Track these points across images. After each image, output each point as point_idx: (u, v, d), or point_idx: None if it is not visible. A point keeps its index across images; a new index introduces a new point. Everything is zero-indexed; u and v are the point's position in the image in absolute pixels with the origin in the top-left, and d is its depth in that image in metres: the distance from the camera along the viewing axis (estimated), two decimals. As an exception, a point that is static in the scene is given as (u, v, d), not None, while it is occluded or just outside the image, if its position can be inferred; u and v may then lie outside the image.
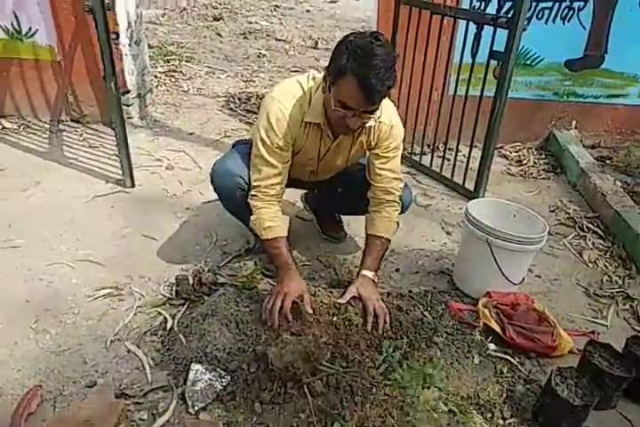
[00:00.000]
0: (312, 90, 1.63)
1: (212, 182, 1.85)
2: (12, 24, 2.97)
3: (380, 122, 1.69)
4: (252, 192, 1.71)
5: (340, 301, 1.66)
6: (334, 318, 1.68)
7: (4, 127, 3.11)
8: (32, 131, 3.14)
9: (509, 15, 2.32)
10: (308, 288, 1.69)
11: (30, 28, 2.99)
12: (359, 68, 1.38)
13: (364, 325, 1.63)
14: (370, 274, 1.74)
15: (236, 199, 1.81)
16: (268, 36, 6.16)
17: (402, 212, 1.93)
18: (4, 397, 1.43)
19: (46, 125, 3.21)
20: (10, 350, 1.59)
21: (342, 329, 1.64)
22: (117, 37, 2.90)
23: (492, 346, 1.70)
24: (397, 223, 1.83)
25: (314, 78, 1.66)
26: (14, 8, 2.93)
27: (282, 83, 1.71)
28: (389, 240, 1.81)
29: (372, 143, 1.75)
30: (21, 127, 3.15)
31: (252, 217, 1.72)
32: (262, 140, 1.64)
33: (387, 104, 1.71)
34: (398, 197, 1.80)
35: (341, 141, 1.74)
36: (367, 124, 1.61)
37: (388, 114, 1.70)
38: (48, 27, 2.97)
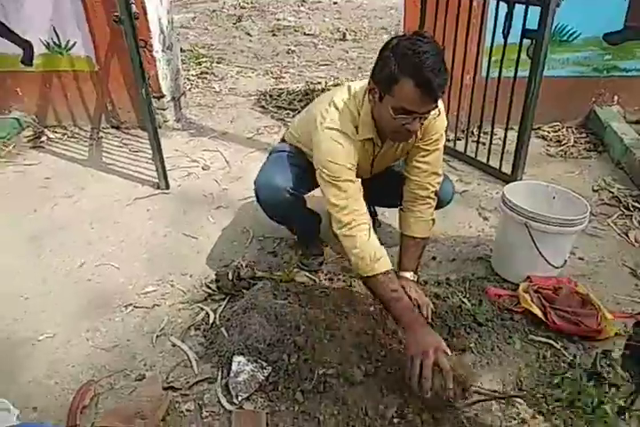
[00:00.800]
0: (357, 105, 1.56)
1: (257, 199, 1.81)
2: (51, 38, 3.11)
3: None
4: (344, 218, 1.53)
5: None
6: (371, 308, 1.70)
7: (48, 138, 3.27)
8: (74, 139, 3.28)
9: (540, -9, 2.25)
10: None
11: (69, 41, 3.12)
12: (413, 68, 1.33)
13: None
14: (409, 275, 1.73)
15: (282, 211, 1.82)
16: (296, 31, 6.17)
17: (441, 207, 1.90)
18: (61, 391, 1.52)
19: (87, 133, 3.35)
20: (65, 347, 1.69)
21: (379, 318, 1.66)
22: (146, 44, 2.98)
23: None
24: (433, 220, 1.78)
25: (354, 92, 1.59)
26: (53, 22, 3.05)
27: (324, 106, 1.60)
28: (426, 239, 1.79)
29: (419, 134, 1.67)
30: (64, 137, 3.29)
31: (354, 250, 1.52)
32: (336, 164, 1.53)
33: None
34: (433, 193, 1.75)
35: (389, 145, 1.70)
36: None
37: None
38: (85, 38, 3.09)
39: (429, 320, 1.64)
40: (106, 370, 1.59)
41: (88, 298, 1.91)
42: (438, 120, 1.66)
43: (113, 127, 3.40)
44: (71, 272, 2.05)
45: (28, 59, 3.17)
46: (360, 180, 1.60)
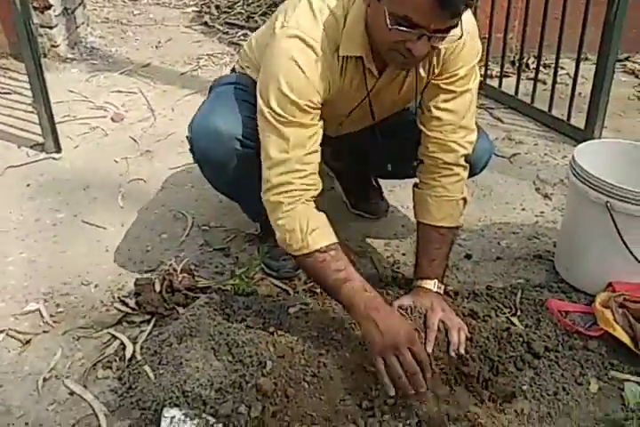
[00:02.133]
0: (344, 11, 1.58)
1: (191, 149, 1.85)
2: None
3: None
4: (277, 179, 1.61)
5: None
6: None
7: None
8: None
9: None
10: None
11: None
12: None
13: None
14: (431, 285, 1.73)
15: (229, 171, 1.81)
16: None
17: (475, 174, 1.92)
18: None
19: None
20: None
21: None
22: None
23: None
24: (464, 200, 1.80)
25: None
26: None
27: (294, 2, 1.63)
28: (455, 228, 1.82)
29: (436, 70, 1.69)
30: None
31: (279, 221, 1.62)
32: (284, 93, 1.55)
33: None
34: (463, 158, 1.76)
35: (391, 77, 1.71)
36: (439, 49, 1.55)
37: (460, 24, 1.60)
38: None
39: (463, 353, 1.65)
40: (-36, 434, 1.58)
41: None
42: (466, 48, 1.66)
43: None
44: None
45: None
46: (320, 125, 1.63)
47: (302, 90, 1.55)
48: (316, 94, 1.57)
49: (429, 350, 1.60)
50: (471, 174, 1.89)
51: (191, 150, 1.84)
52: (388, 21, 1.40)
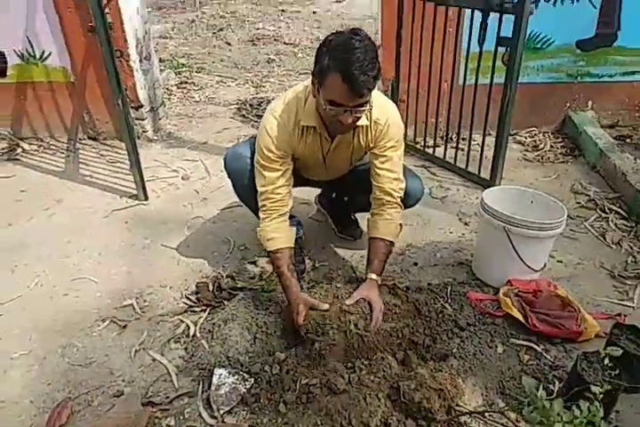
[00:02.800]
0: (306, 96, 1.66)
1: (224, 167, 1.93)
2: (26, 49, 3.07)
3: (375, 122, 1.69)
4: (260, 202, 1.73)
5: (347, 302, 1.64)
6: (352, 317, 1.67)
7: (23, 150, 3.21)
8: (51, 151, 3.23)
9: (515, 0, 2.28)
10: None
11: (44, 52, 3.08)
12: (341, 63, 1.41)
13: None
14: (376, 277, 1.72)
15: (245, 180, 1.86)
16: (275, 40, 6.20)
17: (412, 205, 1.93)
18: (37, 410, 1.48)
19: (64, 145, 3.30)
20: (40, 365, 1.64)
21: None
22: (122, 55, 2.96)
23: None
24: (401, 226, 1.80)
25: (307, 85, 1.67)
26: (27, 33, 3.02)
27: (279, 96, 1.75)
28: (393, 243, 1.78)
29: (370, 144, 1.75)
30: (40, 148, 3.25)
31: (258, 229, 1.75)
32: (261, 149, 1.68)
33: (384, 103, 1.72)
34: (399, 198, 1.77)
35: (340, 142, 1.75)
36: (360, 123, 1.62)
37: (384, 113, 1.70)
38: (60, 48, 3.06)
39: (375, 324, 1.60)
40: (82, 387, 1.55)
41: (64, 313, 1.86)
42: (391, 128, 1.72)
43: (90, 138, 3.36)
44: (47, 287, 2.01)
45: (1, 70, 3.13)
46: (286, 169, 1.71)
47: (269, 147, 1.67)
48: (279, 150, 1.68)
49: (378, 325, 1.61)
50: (411, 205, 1.93)
51: (224, 167, 1.93)
52: (324, 104, 1.51)
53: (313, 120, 1.65)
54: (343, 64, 1.40)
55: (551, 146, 3.10)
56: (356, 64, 1.39)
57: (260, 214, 1.74)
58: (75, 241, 2.30)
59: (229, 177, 1.94)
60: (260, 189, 1.72)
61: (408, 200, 1.87)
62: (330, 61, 1.43)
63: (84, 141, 3.34)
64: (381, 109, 1.69)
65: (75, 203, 2.64)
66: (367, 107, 1.54)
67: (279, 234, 1.71)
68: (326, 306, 1.61)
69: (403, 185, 1.79)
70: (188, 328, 1.75)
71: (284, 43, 6.12)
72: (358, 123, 1.61)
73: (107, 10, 2.30)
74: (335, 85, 1.44)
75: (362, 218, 2.31)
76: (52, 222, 2.47)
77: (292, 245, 1.74)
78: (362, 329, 1.57)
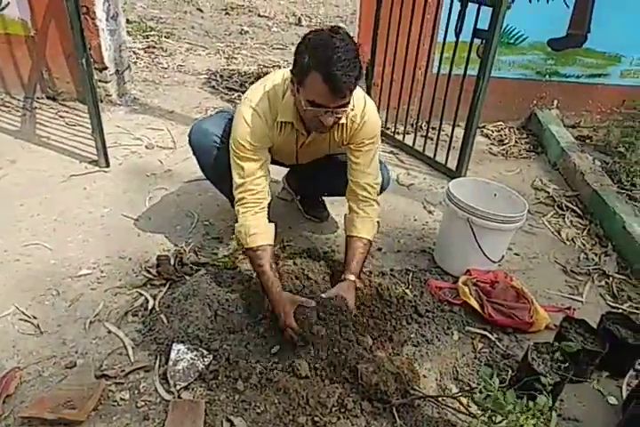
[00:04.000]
0: (284, 90, 1.59)
1: (189, 142, 1.85)
2: (-19, -3, 2.85)
3: (351, 119, 1.66)
4: (238, 195, 1.65)
5: (323, 296, 1.61)
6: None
7: (-24, 105, 3.01)
8: (6, 109, 3.04)
9: (493, -8, 2.28)
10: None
11: (1, 1, 2.87)
12: (321, 63, 1.36)
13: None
14: (353, 278, 1.67)
15: (210, 158, 1.81)
16: (250, 11, 6.00)
17: (380, 192, 1.90)
18: (-18, 379, 1.41)
19: (20, 103, 3.11)
20: (-13, 331, 1.57)
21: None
22: (88, 11, 2.80)
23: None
24: (378, 223, 1.79)
25: (286, 79, 1.60)
26: (-17, -20, 2.81)
27: (256, 85, 1.67)
28: (371, 242, 1.76)
29: (346, 141, 1.73)
30: (-5, 105, 3.06)
31: (236, 224, 1.66)
32: (238, 141, 1.60)
33: (361, 99, 1.67)
34: (375, 193, 1.76)
35: (315, 137, 1.72)
36: (341, 121, 1.58)
37: (361, 110, 1.66)
38: (20, 0, 2.85)
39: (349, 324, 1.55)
40: (33, 357, 1.49)
41: (15, 279, 1.78)
42: (368, 126, 1.69)
43: (49, 98, 3.18)
44: (-3, 251, 1.91)
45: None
46: (265, 160, 1.65)
47: (246, 137, 1.59)
48: (258, 141, 1.61)
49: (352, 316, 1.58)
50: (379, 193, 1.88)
51: (189, 142, 1.85)
52: (304, 104, 1.46)
53: (290, 116, 1.60)
54: (324, 64, 1.35)
55: (516, 141, 3.16)
56: (337, 64, 1.34)
57: (239, 208, 1.64)
58: (28, 205, 2.19)
59: (194, 153, 1.87)
60: (237, 180, 1.63)
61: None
62: (310, 61, 1.38)
63: (42, 101, 3.16)
64: (358, 106, 1.65)
65: (30, 165, 2.50)
66: (349, 107, 1.50)
67: (261, 230, 1.62)
68: (313, 303, 1.52)
69: (379, 180, 1.77)
70: (147, 302, 1.71)
71: (259, 15, 5.94)
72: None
73: (76, -39, 2.14)
74: (316, 86, 1.39)
75: (329, 202, 2.31)
76: (4, 184, 2.33)
77: (273, 243, 1.66)
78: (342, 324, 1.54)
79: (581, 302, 1.89)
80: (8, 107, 3.06)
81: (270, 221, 1.68)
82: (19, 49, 3.02)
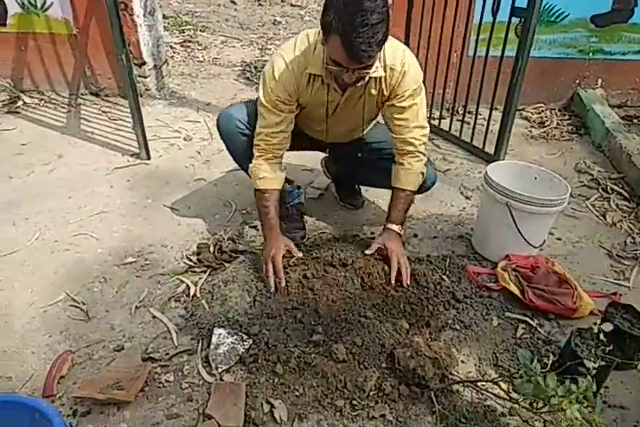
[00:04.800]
0: (317, 42, 1.56)
1: (217, 127, 1.88)
2: (26, -3, 2.95)
3: (391, 69, 1.60)
4: (256, 140, 1.72)
5: (366, 251, 1.69)
6: (351, 283, 1.68)
7: (24, 102, 3.13)
8: (51, 105, 3.15)
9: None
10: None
11: (45, 2, 2.96)
12: (343, 27, 1.32)
13: (385, 279, 1.67)
14: (396, 227, 1.75)
15: (235, 142, 1.84)
16: (282, 1, 5.99)
17: (424, 191, 1.90)
18: (38, 361, 1.48)
19: (65, 99, 3.22)
20: (41, 317, 1.64)
21: (361, 294, 1.64)
22: (126, 8, 2.86)
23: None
24: (422, 174, 1.78)
25: (319, 31, 1.55)
26: (28, -19, 2.90)
27: (293, 37, 1.66)
28: (414, 192, 1.79)
29: (386, 93, 1.66)
30: (41, 102, 3.17)
31: (250, 164, 1.75)
32: (265, 90, 1.63)
33: (397, 47, 1.62)
34: (421, 146, 1.73)
35: (351, 94, 1.67)
36: (373, 75, 1.54)
37: (400, 58, 1.60)
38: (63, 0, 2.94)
39: (408, 285, 1.67)
40: (83, 341, 1.56)
41: (65, 268, 1.86)
42: (407, 78, 1.63)
43: (92, 94, 3.27)
44: (48, 242, 1.99)
45: (1, 18, 3.00)
46: (287, 115, 1.66)
47: (274, 88, 1.61)
48: (284, 93, 1.63)
49: (392, 281, 1.66)
50: (423, 191, 1.90)
51: (217, 127, 1.88)
52: (325, 61, 1.47)
53: (320, 69, 1.57)
54: (345, 28, 1.32)
55: (557, 123, 3.05)
56: (358, 30, 1.30)
57: (255, 152, 1.73)
58: (76, 197, 2.27)
59: (221, 137, 1.90)
60: (258, 128, 1.70)
61: (420, 187, 1.84)
62: (334, 20, 1.34)
63: (85, 97, 3.26)
64: (395, 54, 1.59)
65: (76, 159, 2.59)
66: (372, 69, 1.48)
67: (271, 175, 1.73)
68: (300, 254, 1.72)
69: (425, 131, 1.73)
70: (189, 288, 1.75)
71: (291, 4, 5.92)
72: (373, 75, 1.54)
73: (113, -41, 2.19)
74: (335, 48, 1.38)
75: (364, 188, 2.30)
76: (52, 177, 2.42)
77: (281, 188, 1.79)
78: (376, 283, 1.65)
79: (628, 287, 1.82)
80: (54, 103, 3.17)
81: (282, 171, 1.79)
82: (62, 47, 3.11)
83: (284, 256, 1.71)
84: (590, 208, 2.28)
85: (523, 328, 1.61)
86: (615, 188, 2.39)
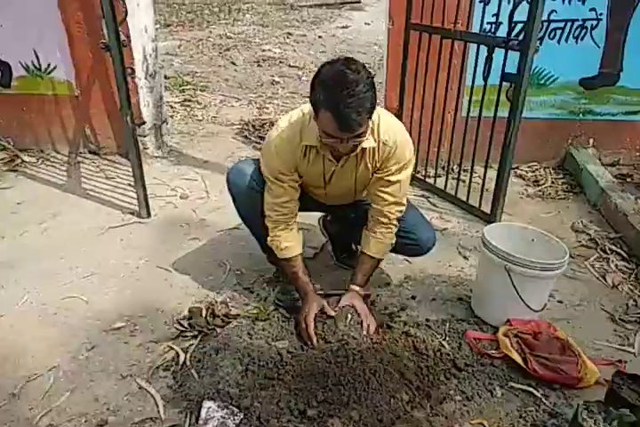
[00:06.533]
0: (311, 115, 1.62)
1: (227, 183, 1.91)
2: (32, 61, 3.07)
3: (383, 143, 1.66)
4: (266, 211, 1.78)
5: (336, 309, 1.74)
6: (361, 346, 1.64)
7: (23, 161, 3.19)
8: (50, 164, 3.21)
9: (520, 37, 2.30)
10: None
11: (49, 65, 3.09)
12: (331, 100, 1.39)
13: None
14: (359, 289, 1.82)
15: (247, 200, 1.85)
16: (281, 62, 6.25)
17: (423, 254, 1.95)
18: (16, 437, 1.41)
19: (65, 158, 3.28)
20: (22, 388, 1.58)
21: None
22: (133, 72, 2.96)
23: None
24: (392, 244, 1.83)
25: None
26: (34, 45, 3.03)
27: (289, 112, 1.75)
28: (381, 259, 1.87)
29: (377, 164, 1.72)
30: (40, 160, 3.23)
31: (268, 238, 1.81)
32: (265, 164, 1.72)
33: (391, 122, 1.69)
34: (395, 219, 1.79)
35: (345, 164, 1.72)
36: (366, 145, 1.61)
37: (392, 134, 1.66)
38: (66, 63, 3.06)
39: (365, 330, 1.71)
40: (65, 414, 1.49)
41: (52, 334, 1.81)
42: (396, 153, 1.69)
43: (91, 153, 3.34)
44: (36, 305, 1.95)
45: (5, 81, 3.12)
46: (290, 185, 1.72)
47: (274, 164, 1.69)
48: (284, 167, 1.69)
49: (364, 333, 1.72)
50: (422, 254, 1.95)
51: (227, 183, 1.90)
52: (319, 134, 1.53)
53: (315, 140, 1.63)
54: (334, 102, 1.38)
55: (552, 181, 3.10)
56: (346, 101, 1.37)
57: (268, 224, 1.80)
58: (68, 258, 2.26)
59: (230, 193, 1.91)
60: (267, 199, 1.77)
61: (420, 250, 1.93)
62: (321, 97, 1.42)
63: (84, 155, 3.32)
64: (389, 129, 1.66)
65: (71, 217, 2.60)
66: (364, 137, 1.53)
67: (291, 243, 1.80)
68: (333, 313, 1.73)
69: (402, 208, 1.79)
70: (178, 356, 1.70)
71: (289, 65, 6.17)
72: (365, 145, 1.61)
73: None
74: (326, 121, 1.44)
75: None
76: (45, 237, 2.42)
77: (302, 251, 1.85)
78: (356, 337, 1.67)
79: (633, 353, 1.77)
80: (53, 162, 3.23)
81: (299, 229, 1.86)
82: (64, 108, 3.21)
83: (317, 315, 1.74)
84: (590, 269, 2.26)
85: (527, 400, 1.55)
86: (613, 248, 2.38)
